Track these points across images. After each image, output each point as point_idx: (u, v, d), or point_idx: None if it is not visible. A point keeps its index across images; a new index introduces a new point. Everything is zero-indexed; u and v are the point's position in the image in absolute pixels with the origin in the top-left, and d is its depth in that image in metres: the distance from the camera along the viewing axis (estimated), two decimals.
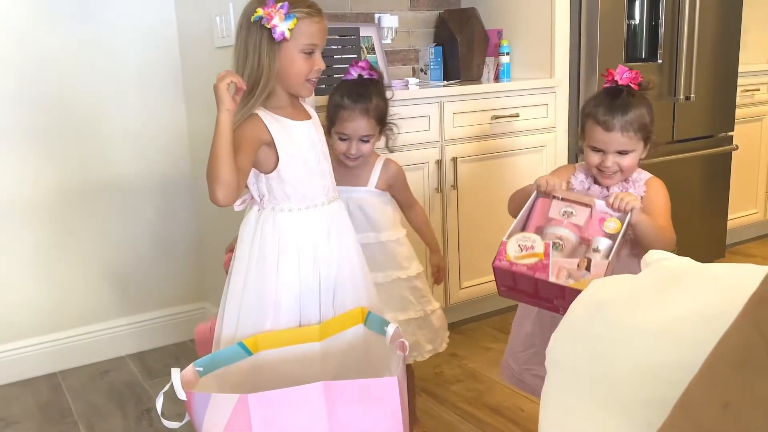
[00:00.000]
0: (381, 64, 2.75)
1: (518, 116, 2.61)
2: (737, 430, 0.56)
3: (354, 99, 1.72)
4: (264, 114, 1.49)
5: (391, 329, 1.42)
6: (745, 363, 0.59)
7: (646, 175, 1.63)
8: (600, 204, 1.51)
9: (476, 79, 2.91)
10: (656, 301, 0.85)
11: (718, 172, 3.19)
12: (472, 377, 2.31)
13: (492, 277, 2.60)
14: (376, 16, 2.82)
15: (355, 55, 2.46)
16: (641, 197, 1.57)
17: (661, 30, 2.83)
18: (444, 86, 2.61)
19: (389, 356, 1.44)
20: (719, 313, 0.76)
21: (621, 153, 1.54)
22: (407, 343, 1.37)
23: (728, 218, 3.29)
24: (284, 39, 1.44)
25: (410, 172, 2.44)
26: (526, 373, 1.68)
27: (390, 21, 2.81)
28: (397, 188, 1.89)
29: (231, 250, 1.63)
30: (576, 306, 0.97)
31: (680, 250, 1.18)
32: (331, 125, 1.74)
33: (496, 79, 2.86)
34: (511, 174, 2.63)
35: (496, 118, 2.57)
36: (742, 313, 0.67)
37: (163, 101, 2.58)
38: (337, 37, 2.49)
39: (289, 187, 1.52)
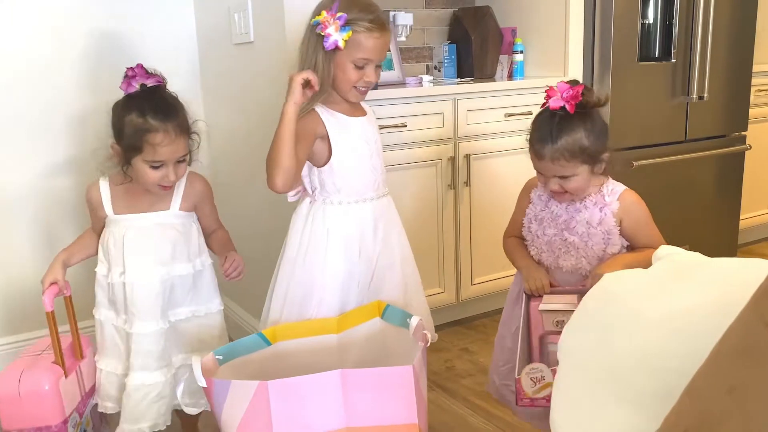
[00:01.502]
0: (395, 61, 2.78)
1: (532, 114, 2.62)
2: (742, 414, 0.58)
3: (162, 118, 1.46)
4: (321, 109, 1.58)
5: (414, 321, 1.46)
6: (750, 350, 0.61)
7: (620, 187, 1.54)
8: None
9: (490, 76, 2.94)
10: (666, 294, 0.87)
11: (731, 171, 3.20)
12: (483, 372, 2.33)
13: (504, 274, 2.65)
14: (391, 13, 2.85)
15: None
16: (614, 212, 1.50)
17: (675, 29, 2.84)
18: (458, 83, 2.64)
19: (408, 347, 1.47)
20: (727, 306, 0.79)
21: (562, 177, 1.48)
22: (429, 335, 1.40)
23: (740, 218, 3.30)
24: (337, 47, 1.51)
25: (423, 168, 2.48)
26: (504, 387, 1.68)
27: (405, 18, 2.83)
28: (203, 209, 1.66)
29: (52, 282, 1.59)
30: (587, 299, 0.99)
31: (692, 248, 1.20)
32: (133, 153, 1.47)
33: (510, 77, 2.88)
34: (523, 171, 2.64)
35: (510, 115, 2.60)
36: (748, 305, 0.70)
37: (181, 97, 2.61)
38: None
39: (340, 180, 1.60)
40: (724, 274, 0.87)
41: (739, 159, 3.21)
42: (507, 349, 1.66)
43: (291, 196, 1.67)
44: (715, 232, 3.17)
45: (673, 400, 0.77)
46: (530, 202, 1.64)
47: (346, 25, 1.50)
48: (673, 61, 2.86)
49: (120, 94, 2.28)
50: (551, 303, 1.51)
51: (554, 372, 1.43)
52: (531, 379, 1.49)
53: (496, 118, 2.58)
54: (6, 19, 2.27)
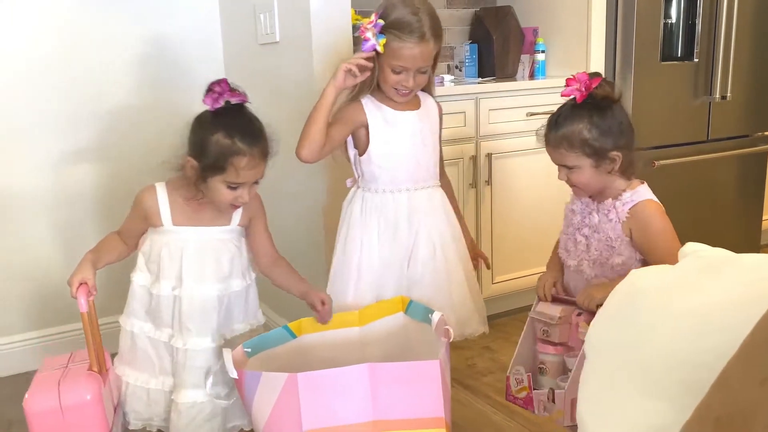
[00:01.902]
0: None
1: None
2: None
3: (250, 142, 1.43)
4: (367, 101, 1.68)
5: (436, 317, 1.48)
6: None
7: (640, 197, 1.48)
8: None
9: (511, 76, 2.94)
10: (693, 289, 0.89)
11: (754, 171, 3.18)
12: (503, 370, 2.33)
13: (525, 273, 2.67)
14: None
15: None
16: (622, 222, 1.47)
17: (698, 29, 2.83)
18: (479, 83, 2.65)
19: (431, 343, 1.49)
20: (755, 300, 0.80)
21: (568, 168, 1.49)
22: (452, 330, 1.42)
23: (763, 218, 3.28)
24: (375, 50, 1.59)
25: (445, 167, 2.49)
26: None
27: None
28: (256, 225, 1.60)
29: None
30: (615, 293, 1.01)
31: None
32: (214, 173, 1.42)
33: (531, 76, 2.89)
34: (544, 171, 2.65)
35: (531, 114, 2.60)
36: None
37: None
38: None
39: (377, 169, 1.69)
40: (752, 268, 0.88)
41: (761, 159, 3.19)
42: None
43: (348, 183, 1.80)
44: (738, 232, 3.16)
45: (701, 393, 0.78)
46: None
47: (382, 32, 1.58)
48: (696, 60, 2.86)
49: (143, 90, 2.33)
50: (539, 312, 1.55)
51: (528, 378, 1.53)
52: (515, 379, 1.56)
53: (518, 117, 2.59)
54: (28, 16, 2.32)
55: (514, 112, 2.58)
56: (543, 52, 2.85)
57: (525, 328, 1.59)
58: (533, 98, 2.61)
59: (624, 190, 1.50)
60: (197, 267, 1.47)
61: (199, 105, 2.57)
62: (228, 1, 2.54)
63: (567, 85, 1.47)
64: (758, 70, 3.05)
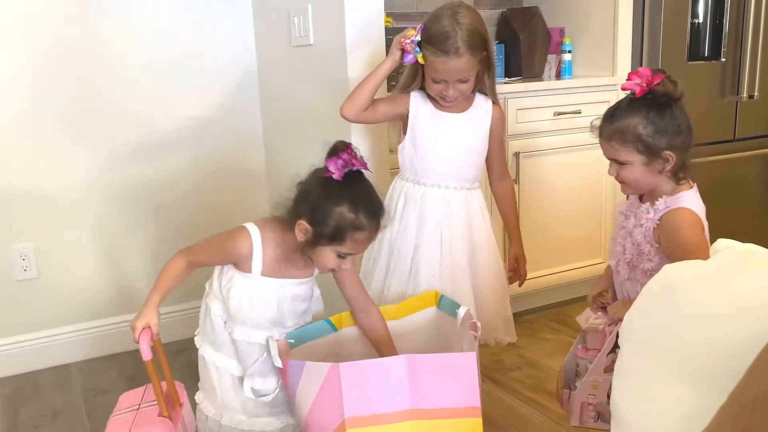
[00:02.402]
0: None
1: (580, 113, 2.67)
2: None
3: (372, 218, 1.41)
4: (416, 94, 1.79)
5: (462, 311, 1.53)
6: None
7: (675, 204, 1.44)
8: None
9: (537, 76, 2.98)
10: (728, 281, 0.93)
11: None
12: (531, 365, 2.39)
13: (551, 270, 2.71)
14: None
15: None
16: (652, 229, 1.45)
17: (725, 29, 2.84)
18: (506, 83, 2.69)
19: (460, 336, 1.54)
20: None
21: (619, 163, 1.46)
22: (479, 324, 1.47)
23: None
24: (417, 61, 1.68)
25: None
26: None
27: None
28: (344, 275, 1.56)
29: None
30: (650, 286, 1.05)
31: None
32: (329, 242, 1.41)
33: (558, 76, 2.92)
34: (572, 169, 2.70)
35: (559, 114, 2.64)
36: None
37: (238, 99, 2.72)
38: None
39: (407, 159, 1.80)
40: None
41: None
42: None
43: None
44: (765, 231, 3.16)
45: (735, 378, 0.82)
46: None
47: (419, 46, 1.66)
48: (723, 60, 2.87)
49: (177, 92, 2.35)
50: (590, 323, 1.56)
51: (558, 377, 1.62)
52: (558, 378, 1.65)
53: (546, 116, 2.63)
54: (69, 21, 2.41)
55: (542, 111, 2.62)
56: (569, 52, 2.88)
57: (577, 337, 1.62)
58: (560, 98, 2.65)
59: (668, 193, 1.46)
60: (278, 314, 1.49)
61: (227, 107, 2.67)
62: (261, 4, 2.60)
63: (628, 79, 1.43)
64: None
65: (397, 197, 1.84)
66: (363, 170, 1.43)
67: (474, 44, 1.65)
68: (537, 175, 2.65)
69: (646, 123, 1.40)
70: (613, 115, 1.44)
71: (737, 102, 2.95)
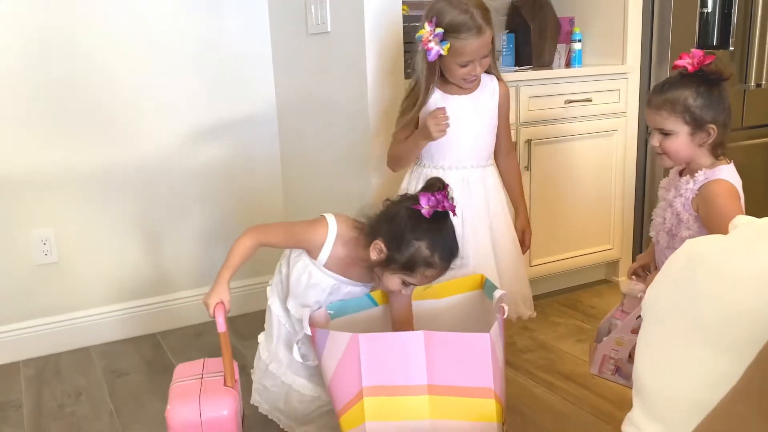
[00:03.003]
0: None
1: (591, 101, 2.71)
2: None
3: (446, 261, 1.47)
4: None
5: (497, 294, 1.57)
6: None
7: (714, 175, 1.54)
8: None
9: (547, 65, 3.01)
10: (750, 253, 0.97)
11: None
12: (543, 348, 2.43)
13: (562, 256, 2.75)
14: None
15: None
16: (691, 198, 1.55)
17: (734, 18, 2.88)
18: (515, 71, 2.73)
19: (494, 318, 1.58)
20: None
21: (664, 134, 1.56)
22: (506, 308, 1.51)
23: None
24: (440, 56, 1.72)
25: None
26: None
27: None
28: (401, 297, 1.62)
29: None
30: (673, 259, 1.09)
31: None
32: (399, 269, 1.47)
33: (568, 65, 2.95)
34: (583, 156, 2.74)
35: (570, 102, 2.68)
36: None
37: (252, 86, 2.75)
38: (417, 24, 2.63)
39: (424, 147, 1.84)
40: None
41: None
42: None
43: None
44: None
45: (761, 343, 0.86)
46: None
47: (444, 39, 1.70)
48: (731, 49, 2.91)
49: (191, 81, 2.37)
50: (627, 288, 1.64)
51: (595, 346, 1.63)
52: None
53: (557, 104, 2.66)
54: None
55: (554, 99, 2.66)
56: (579, 41, 2.92)
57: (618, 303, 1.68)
58: (571, 86, 2.68)
59: (707, 166, 1.55)
60: (323, 301, 1.56)
61: (242, 95, 2.70)
62: None
63: (680, 59, 1.54)
64: None
65: (416, 184, 1.89)
66: (450, 211, 1.46)
67: (488, 18, 1.76)
68: (549, 163, 2.69)
69: (696, 96, 1.50)
70: (664, 86, 1.55)
71: (745, 90, 2.99)
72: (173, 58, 2.59)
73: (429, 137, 1.76)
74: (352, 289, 1.59)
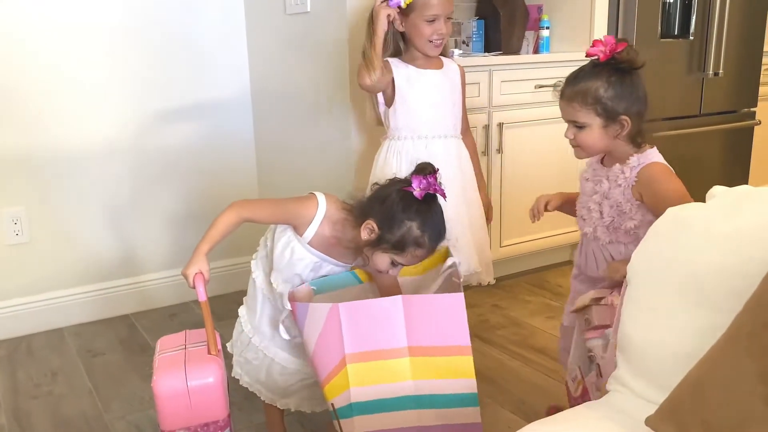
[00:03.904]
0: None
1: (560, 86, 2.79)
2: None
3: (435, 241, 1.51)
4: (394, 60, 1.90)
5: (449, 261, 1.63)
6: None
7: (647, 159, 1.50)
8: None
9: (516, 51, 3.08)
10: (733, 214, 1.05)
11: (741, 146, 3.38)
12: (515, 324, 2.51)
13: (531, 237, 2.82)
14: None
15: None
16: (632, 186, 1.50)
17: (694, 8, 3.00)
18: (486, 56, 2.79)
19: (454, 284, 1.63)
20: None
21: (578, 126, 1.49)
22: (460, 272, 1.58)
23: None
24: (399, 8, 1.76)
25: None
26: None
27: None
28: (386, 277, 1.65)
29: None
30: (658, 224, 1.16)
31: None
32: (390, 248, 1.49)
33: (536, 52, 3.04)
34: (552, 140, 2.82)
35: (539, 87, 2.76)
36: None
37: (225, 68, 2.75)
38: None
39: (401, 118, 1.92)
40: None
41: (748, 134, 3.39)
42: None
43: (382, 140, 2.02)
44: None
45: (744, 298, 0.94)
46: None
47: None
48: (692, 38, 3.03)
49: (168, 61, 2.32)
50: (575, 307, 1.53)
51: (580, 370, 1.52)
52: (571, 380, 1.55)
53: (527, 89, 2.74)
54: None
55: (524, 84, 2.73)
56: (547, 28, 3.00)
57: (575, 333, 1.57)
58: (541, 71, 2.76)
59: (632, 155, 1.50)
60: (305, 278, 1.58)
61: (218, 75, 2.70)
62: None
63: (593, 46, 1.46)
64: (748, 48, 3.24)
65: (393, 157, 1.94)
66: (440, 196, 1.50)
67: None
68: (519, 145, 2.76)
69: (607, 86, 1.44)
70: (576, 77, 1.49)
71: (703, 78, 3.12)
72: (141, 40, 2.57)
73: (378, 15, 1.82)
74: (333, 268, 1.62)
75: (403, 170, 1.92)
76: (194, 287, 1.46)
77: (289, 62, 2.51)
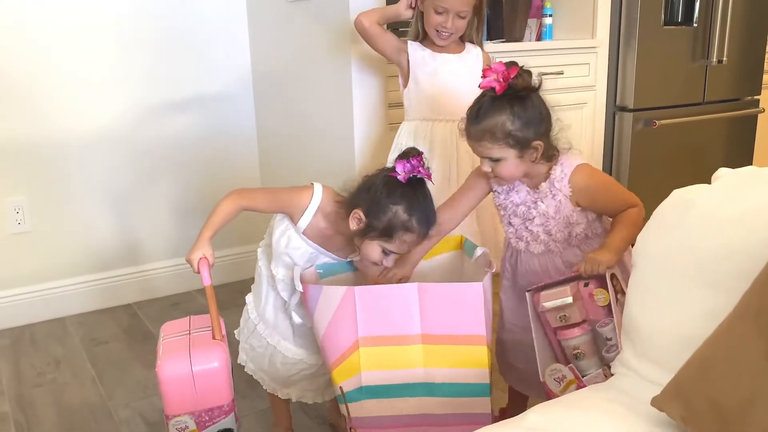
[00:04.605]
0: None
1: (563, 74, 2.78)
2: None
3: (424, 224, 1.48)
4: (412, 42, 1.98)
5: (479, 251, 1.61)
6: None
7: (569, 167, 1.49)
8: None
9: (518, 39, 3.07)
10: (736, 198, 1.04)
11: (744, 133, 3.37)
12: None
13: None
14: None
15: None
16: (569, 197, 1.49)
17: None
18: (488, 44, 2.77)
19: (475, 273, 1.63)
20: None
21: (493, 160, 1.46)
22: (494, 262, 1.56)
23: None
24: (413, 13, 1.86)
25: None
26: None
27: None
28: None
29: None
30: (663, 207, 1.16)
31: None
32: (378, 236, 1.48)
33: (539, 39, 3.02)
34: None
35: (543, 74, 2.72)
36: None
37: (227, 56, 2.74)
38: None
39: (413, 100, 1.98)
40: None
41: (752, 122, 3.37)
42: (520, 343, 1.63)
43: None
44: None
45: (750, 279, 0.93)
46: (493, 191, 1.61)
47: None
48: (695, 25, 3.01)
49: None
50: (550, 300, 1.48)
51: (572, 370, 1.47)
52: (554, 379, 1.51)
53: None
54: None
55: None
56: (550, 16, 2.98)
57: (534, 327, 1.51)
58: (545, 59, 2.75)
59: (550, 170, 1.50)
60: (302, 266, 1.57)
61: (220, 63, 2.69)
62: None
63: (484, 76, 1.42)
64: (752, 36, 3.22)
65: (405, 138, 1.99)
66: (427, 180, 1.49)
67: None
68: None
69: (513, 118, 1.41)
70: (478, 115, 1.43)
71: (707, 66, 3.10)
72: (142, 29, 2.56)
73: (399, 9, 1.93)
74: (329, 261, 1.62)
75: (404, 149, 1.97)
76: (199, 272, 1.46)
77: (292, 52, 2.49)
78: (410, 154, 1.48)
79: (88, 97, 2.49)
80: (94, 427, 1.87)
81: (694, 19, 3.00)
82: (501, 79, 1.40)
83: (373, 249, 1.50)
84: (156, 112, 2.63)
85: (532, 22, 3.09)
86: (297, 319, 1.57)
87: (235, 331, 1.75)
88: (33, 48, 2.37)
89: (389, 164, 2.01)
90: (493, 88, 1.41)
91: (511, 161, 1.45)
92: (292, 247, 1.56)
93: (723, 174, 1.19)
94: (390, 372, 1.43)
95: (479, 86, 1.43)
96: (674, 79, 3.03)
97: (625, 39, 2.91)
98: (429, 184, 1.51)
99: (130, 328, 2.46)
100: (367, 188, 1.50)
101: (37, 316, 2.52)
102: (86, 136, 2.51)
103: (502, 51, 2.63)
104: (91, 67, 2.48)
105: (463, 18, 1.90)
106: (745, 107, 3.32)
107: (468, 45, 2.02)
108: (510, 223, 1.59)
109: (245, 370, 1.73)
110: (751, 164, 3.38)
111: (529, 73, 1.45)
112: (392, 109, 2.27)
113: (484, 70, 1.44)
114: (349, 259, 1.64)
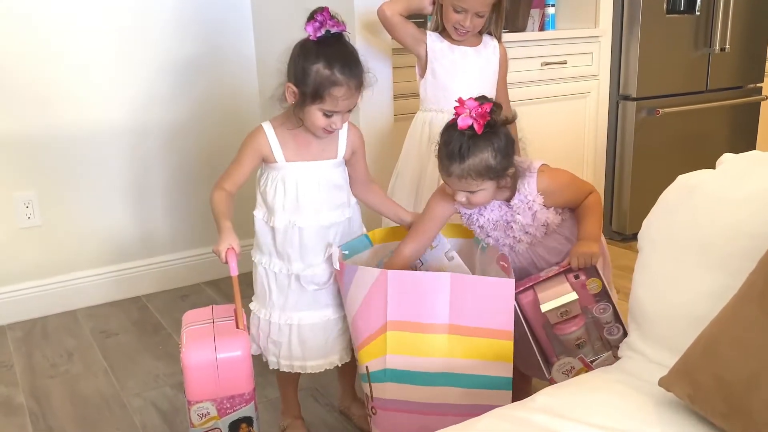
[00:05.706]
0: None
1: (566, 63, 2.80)
2: None
3: (348, 74, 1.47)
4: (430, 33, 1.99)
5: (488, 241, 1.64)
6: None
7: (531, 176, 1.53)
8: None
9: (521, 29, 3.08)
10: (743, 179, 1.06)
11: (747, 121, 3.38)
12: None
13: None
14: None
15: None
16: (542, 204, 1.53)
17: None
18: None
19: (485, 265, 1.65)
20: None
21: (471, 192, 1.50)
22: (509, 258, 1.58)
23: None
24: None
25: None
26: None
27: None
28: (357, 156, 1.66)
29: None
30: (667, 193, 1.18)
31: None
32: (312, 101, 1.48)
33: (541, 29, 3.03)
34: (558, 118, 2.83)
35: (546, 64, 2.75)
36: None
37: (231, 47, 2.75)
38: None
39: (430, 91, 2.00)
40: None
41: (755, 109, 3.39)
42: None
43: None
44: None
45: (755, 258, 0.95)
46: (459, 212, 1.64)
47: None
48: (698, 13, 3.02)
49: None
50: (551, 300, 1.48)
51: (581, 359, 1.49)
52: (563, 373, 1.53)
53: (534, 66, 2.74)
54: None
55: (530, 61, 2.73)
56: (553, 5, 2.99)
57: (526, 328, 1.51)
58: (547, 48, 2.76)
59: (516, 185, 1.53)
60: (314, 199, 1.57)
61: (224, 54, 2.70)
62: None
63: (457, 113, 1.45)
64: (754, 24, 3.22)
65: (420, 127, 2.01)
66: (342, 32, 1.49)
67: None
68: (525, 123, 2.74)
69: (494, 154, 1.44)
70: (461, 155, 1.44)
71: (710, 54, 3.11)
72: (146, 18, 2.57)
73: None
74: (329, 176, 1.59)
75: (424, 142, 1.99)
76: (227, 262, 1.47)
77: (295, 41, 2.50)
78: (315, 12, 1.48)
79: (95, 91, 2.51)
80: (108, 416, 1.90)
81: (697, 8, 3.01)
82: (478, 118, 1.42)
83: (315, 115, 1.50)
84: (164, 104, 2.64)
85: (534, 12, 3.10)
86: (336, 263, 1.55)
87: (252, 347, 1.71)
88: (40, 42, 2.39)
89: (400, 159, 2.04)
90: (471, 127, 1.42)
91: (488, 190, 1.50)
92: (289, 187, 1.56)
93: (727, 159, 1.21)
94: (414, 358, 1.45)
95: (458, 127, 1.43)
96: (677, 67, 3.04)
97: (628, 28, 2.92)
98: None
99: (140, 321, 2.49)
100: (290, 61, 1.52)
101: (48, 309, 2.55)
102: (94, 129, 2.53)
103: (505, 41, 2.63)
104: (98, 60, 2.49)
105: (481, 17, 1.90)
106: (748, 95, 3.33)
107: (485, 37, 2.02)
108: (489, 236, 1.63)
109: (281, 369, 1.69)
110: (754, 150, 3.42)
111: (500, 107, 1.48)
112: (398, 100, 2.28)
113: (456, 108, 1.46)
114: (335, 166, 1.62)
